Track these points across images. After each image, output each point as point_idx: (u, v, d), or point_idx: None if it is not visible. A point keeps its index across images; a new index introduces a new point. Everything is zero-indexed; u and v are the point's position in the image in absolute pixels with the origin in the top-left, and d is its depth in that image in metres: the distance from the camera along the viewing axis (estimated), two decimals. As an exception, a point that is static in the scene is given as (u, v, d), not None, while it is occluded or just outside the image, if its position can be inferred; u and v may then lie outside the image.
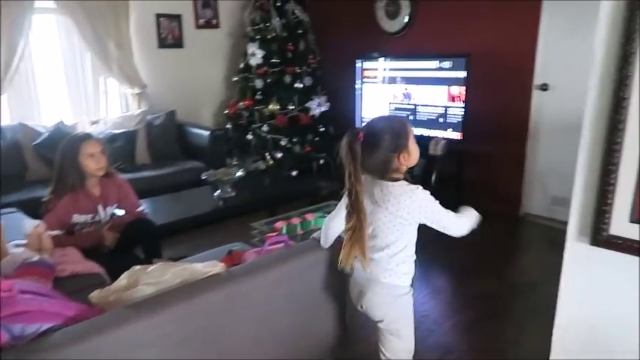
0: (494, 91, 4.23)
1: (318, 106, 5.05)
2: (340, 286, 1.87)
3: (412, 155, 1.64)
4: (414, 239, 1.68)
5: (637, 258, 1.43)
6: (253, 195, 3.81)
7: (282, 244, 2.01)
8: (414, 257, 1.71)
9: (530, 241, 4.06)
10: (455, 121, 4.24)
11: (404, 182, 1.64)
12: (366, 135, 1.60)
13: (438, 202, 1.64)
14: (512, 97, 4.20)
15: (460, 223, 1.70)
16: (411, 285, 1.73)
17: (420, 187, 1.63)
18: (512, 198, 4.33)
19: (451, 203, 1.74)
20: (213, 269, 1.66)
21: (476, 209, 1.78)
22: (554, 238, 3.53)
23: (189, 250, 2.84)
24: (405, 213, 1.60)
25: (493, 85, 4.21)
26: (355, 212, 1.58)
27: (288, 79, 5.00)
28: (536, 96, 4.08)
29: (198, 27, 5.22)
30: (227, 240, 2.57)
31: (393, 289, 1.68)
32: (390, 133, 1.61)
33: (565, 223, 1.56)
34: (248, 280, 1.63)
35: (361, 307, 1.75)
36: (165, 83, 5.08)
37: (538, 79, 4.04)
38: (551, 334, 1.65)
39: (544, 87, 4.02)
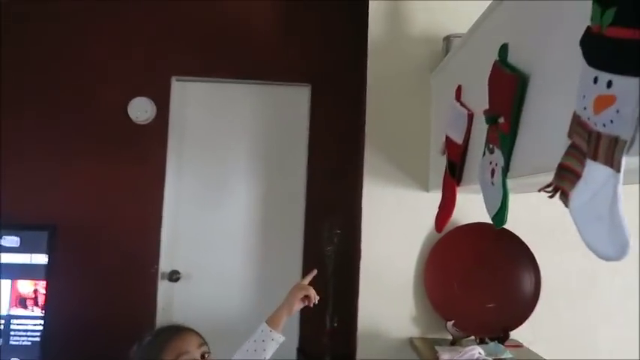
0: (101, 285, 2.64)
1: None
2: None
3: None
4: None
5: None
6: None
7: None
8: None
9: None
10: (26, 342, 2.35)
11: None
12: None
13: None
14: (128, 293, 2.70)
15: None
16: None
17: None
18: None
19: None
20: None
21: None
22: None
23: None
24: None
25: (97, 274, 2.64)
26: None
27: None
28: (165, 289, 2.75)
29: None
30: None
31: None
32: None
33: None
34: None
35: None
36: None
37: (166, 266, 2.75)
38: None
39: (175, 276, 2.74)
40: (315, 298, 1.46)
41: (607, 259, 0.70)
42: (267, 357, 1.37)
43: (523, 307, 1.92)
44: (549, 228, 1.96)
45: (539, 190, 0.85)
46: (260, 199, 2.81)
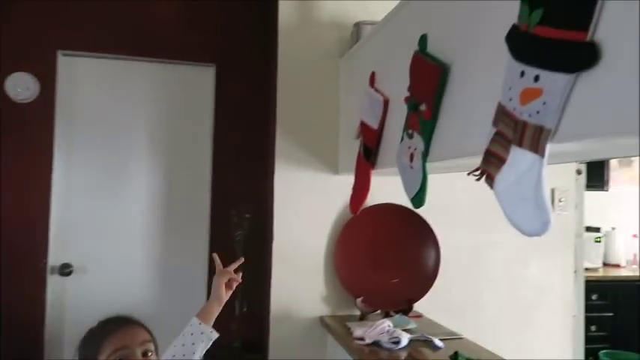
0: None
1: None
2: None
3: None
4: None
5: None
6: None
7: None
8: None
9: None
10: None
11: None
12: None
13: None
14: (13, 291, 2.41)
15: None
16: None
17: None
18: None
19: None
20: None
21: None
22: None
23: None
24: None
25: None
26: None
27: None
28: (55, 283, 2.50)
29: None
30: None
31: None
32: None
33: None
34: None
35: None
36: None
37: (55, 259, 2.50)
38: None
39: (66, 270, 2.51)
40: (237, 277, 1.38)
41: (530, 235, 0.78)
42: (198, 353, 1.25)
43: (425, 280, 2.06)
44: (444, 209, 2.10)
45: (469, 174, 0.92)
46: (162, 185, 2.64)
